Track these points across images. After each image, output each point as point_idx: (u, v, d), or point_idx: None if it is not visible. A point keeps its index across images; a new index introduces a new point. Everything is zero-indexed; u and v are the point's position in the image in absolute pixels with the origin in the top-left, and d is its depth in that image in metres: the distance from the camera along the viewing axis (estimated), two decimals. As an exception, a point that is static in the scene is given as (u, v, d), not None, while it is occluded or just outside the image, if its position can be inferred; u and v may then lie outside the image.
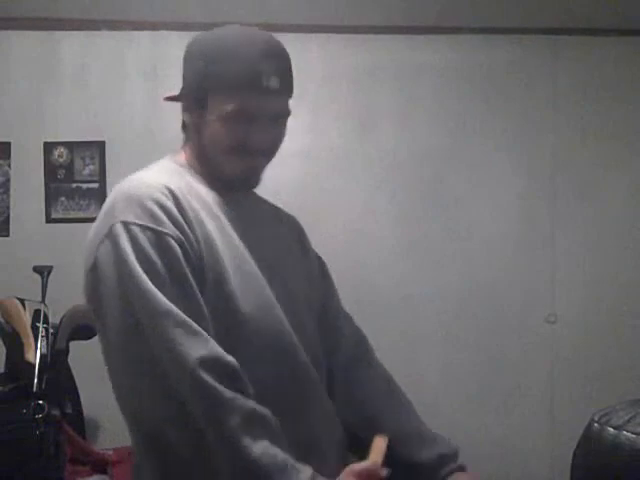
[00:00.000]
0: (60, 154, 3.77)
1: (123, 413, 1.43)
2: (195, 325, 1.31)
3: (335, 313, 1.66)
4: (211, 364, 1.29)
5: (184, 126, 1.55)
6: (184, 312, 1.31)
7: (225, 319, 1.38)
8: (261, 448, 1.27)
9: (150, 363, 1.33)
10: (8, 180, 3.75)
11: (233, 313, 1.39)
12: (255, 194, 1.60)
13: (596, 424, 1.07)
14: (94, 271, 1.38)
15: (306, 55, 3.77)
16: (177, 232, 1.36)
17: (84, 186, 3.79)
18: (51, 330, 3.12)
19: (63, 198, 3.77)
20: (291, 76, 1.49)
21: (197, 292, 1.35)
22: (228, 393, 1.28)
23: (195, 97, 1.48)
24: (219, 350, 1.31)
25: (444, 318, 3.93)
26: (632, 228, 4.07)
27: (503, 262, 3.99)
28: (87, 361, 3.33)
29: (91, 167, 3.79)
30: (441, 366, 3.92)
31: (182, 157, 1.53)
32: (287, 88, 1.48)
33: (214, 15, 3.79)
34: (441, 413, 3.92)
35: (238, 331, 1.39)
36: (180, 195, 1.40)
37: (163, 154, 4.16)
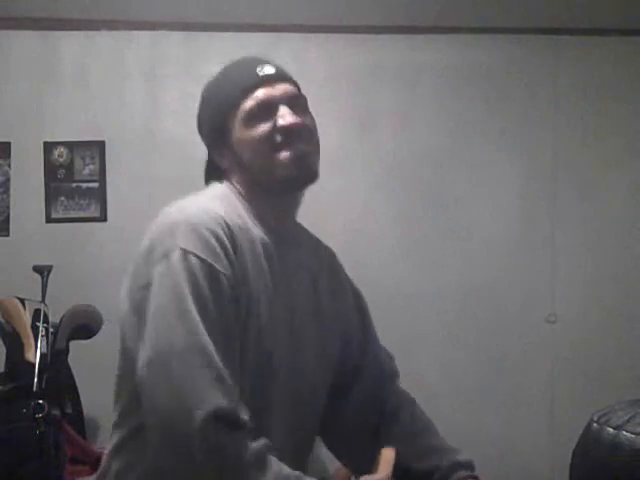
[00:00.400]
0: (60, 154, 3.77)
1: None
2: (223, 372, 1.29)
3: (368, 343, 1.69)
4: (223, 415, 1.27)
5: (222, 175, 1.54)
6: (222, 355, 1.30)
7: (251, 354, 1.39)
8: (272, 475, 1.27)
9: (169, 389, 1.29)
10: (8, 180, 3.75)
11: (259, 349, 1.40)
12: (299, 225, 1.60)
13: (595, 424, 1.07)
14: (147, 289, 1.35)
15: (306, 55, 3.78)
16: (230, 271, 1.36)
17: (84, 186, 3.78)
18: (51, 330, 3.12)
19: (63, 198, 3.77)
20: (285, 70, 1.53)
21: (237, 340, 1.36)
22: (235, 445, 1.27)
23: (218, 135, 1.50)
24: (237, 404, 1.29)
25: (444, 318, 3.93)
26: (632, 228, 4.07)
27: (503, 262, 3.99)
28: (87, 361, 3.35)
29: (91, 167, 3.79)
30: (441, 366, 3.92)
31: (236, 191, 1.51)
32: (284, 75, 1.51)
33: (214, 15, 3.80)
34: (441, 413, 3.91)
35: (264, 370, 1.41)
36: (235, 230, 1.40)
37: (163, 154, 4.15)
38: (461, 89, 3.96)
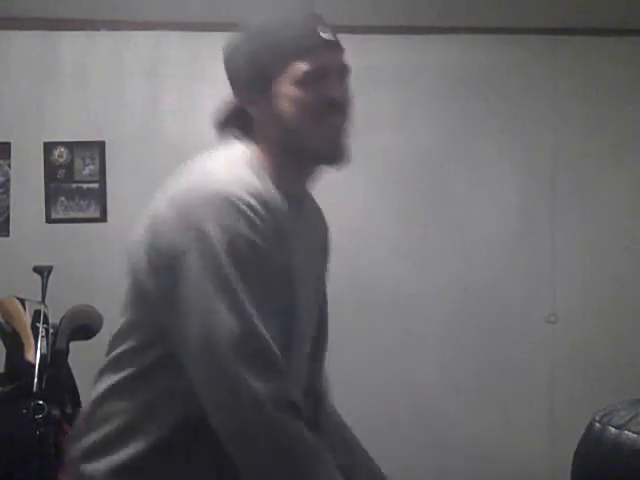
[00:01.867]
0: (60, 154, 3.77)
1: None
2: (278, 358, 1.29)
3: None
4: (287, 404, 1.28)
5: (243, 126, 1.48)
6: (272, 332, 1.30)
7: (286, 319, 1.38)
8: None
9: (230, 383, 1.28)
10: (8, 180, 3.75)
11: (292, 315, 1.40)
12: (310, 195, 1.60)
13: (597, 424, 1.07)
14: (179, 259, 1.30)
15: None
16: (270, 244, 1.33)
17: (84, 186, 3.78)
18: (51, 330, 3.12)
19: (63, 198, 3.77)
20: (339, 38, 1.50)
21: (278, 313, 1.34)
22: (300, 433, 1.29)
23: (258, 83, 1.43)
24: (293, 388, 1.31)
25: (444, 318, 3.93)
26: (632, 228, 4.07)
27: (503, 262, 3.99)
28: (87, 361, 3.34)
29: (91, 167, 3.79)
30: (441, 366, 3.92)
31: (254, 155, 1.45)
32: (340, 43, 1.48)
33: (214, 15, 3.80)
34: (441, 413, 3.93)
35: (292, 338, 1.40)
36: (268, 200, 1.36)
37: (163, 154, 4.14)
38: (460, 89, 3.96)
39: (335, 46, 1.46)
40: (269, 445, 1.27)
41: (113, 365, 1.44)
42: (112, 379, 1.43)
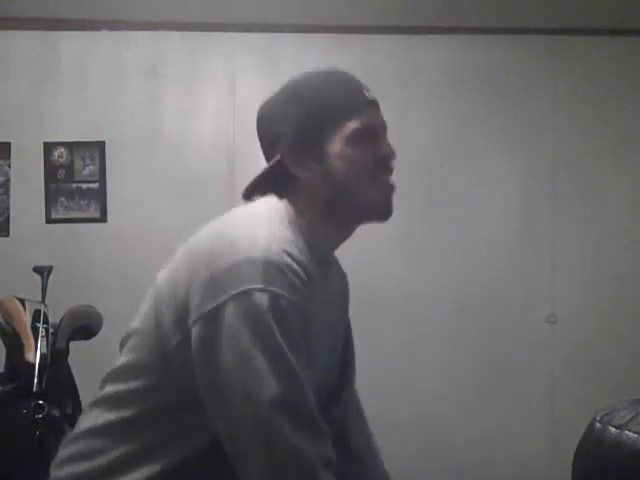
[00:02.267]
0: (60, 154, 3.77)
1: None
2: (316, 419, 1.29)
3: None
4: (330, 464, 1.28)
5: (279, 188, 1.45)
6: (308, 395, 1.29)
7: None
8: None
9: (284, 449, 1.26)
10: (8, 180, 3.75)
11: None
12: (335, 258, 1.59)
13: (598, 423, 1.07)
14: (212, 323, 1.27)
15: (305, 55, 3.77)
16: (307, 304, 1.32)
17: (84, 186, 3.78)
18: (51, 330, 3.11)
19: (63, 198, 3.77)
20: None
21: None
22: None
23: (310, 145, 1.42)
24: (330, 446, 1.31)
25: (444, 318, 3.93)
26: (632, 228, 4.07)
27: (503, 262, 3.99)
28: (87, 361, 3.34)
29: (91, 167, 3.79)
30: (441, 366, 3.92)
31: (290, 212, 1.43)
32: (377, 100, 1.51)
33: (214, 15, 3.80)
34: (441, 413, 3.93)
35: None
36: (304, 261, 1.34)
37: (163, 154, 4.14)
38: (460, 89, 3.96)
39: (377, 105, 1.50)
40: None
41: (109, 402, 1.43)
42: (107, 416, 1.41)
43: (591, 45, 4.01)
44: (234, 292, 1.26)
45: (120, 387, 1.41)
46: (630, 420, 1.04)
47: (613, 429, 1.04)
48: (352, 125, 1.42)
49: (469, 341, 3.95)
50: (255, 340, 1.25)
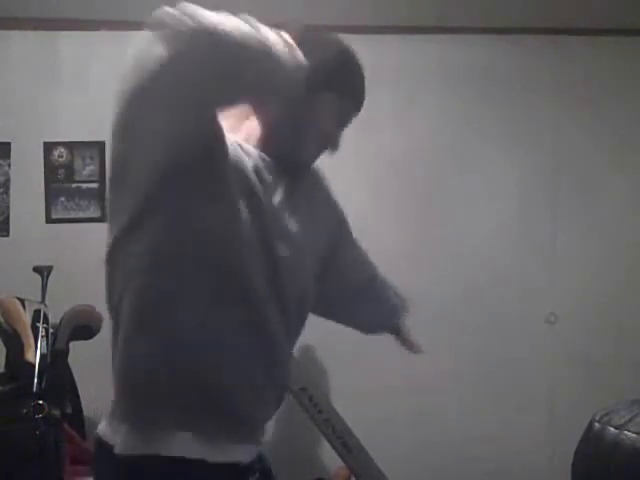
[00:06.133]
0: (60, 154, 3.77)
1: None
2: None
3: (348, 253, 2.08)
4: None
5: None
6: None
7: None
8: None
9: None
10: (8, 180, 3.75)
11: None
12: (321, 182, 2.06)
13: (597, 423, 1.07)
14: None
15: (306, 55, 3.77)
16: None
17: (84, 186, 3.79)
18: (51, 330, 3.12)
19: (63, 198, 3.78)
20: None
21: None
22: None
23: (308, 84, 1.61)
24: None
25: (444, 318, 3.92)
26: (632, 228, 4.07)
27: (503, 262, 3.99)
28: (87, 361, 3.34)
29: (91, 167, 3.79)
30: (440, 366, 3.91)
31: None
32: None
33: (214, 15, 3.79)
34: (440, 413, 3.93)
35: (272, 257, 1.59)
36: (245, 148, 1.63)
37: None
38: (461, 89, 3.96)
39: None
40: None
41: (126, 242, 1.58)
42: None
43: (591, 45, 4.01)
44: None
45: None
46: (629, 420, 1.04)
47: (612, 429, 1.04)
48: (335, 100, 1.81)
49: (469, 341, 3.95)
50: None
